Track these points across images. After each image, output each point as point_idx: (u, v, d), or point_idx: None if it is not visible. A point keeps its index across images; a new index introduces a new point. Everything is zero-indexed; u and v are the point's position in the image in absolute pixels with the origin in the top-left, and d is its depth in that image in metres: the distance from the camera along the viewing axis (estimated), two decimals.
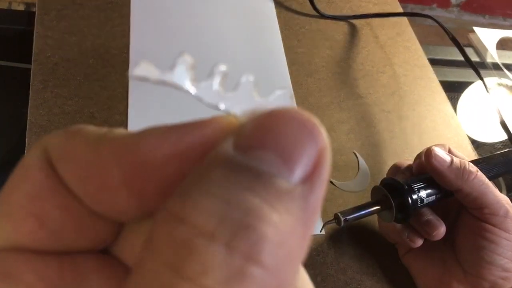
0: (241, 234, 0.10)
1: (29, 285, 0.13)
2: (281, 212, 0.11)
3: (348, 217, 0.40)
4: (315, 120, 0.13)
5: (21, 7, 0.55)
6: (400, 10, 0.74)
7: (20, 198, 0.13)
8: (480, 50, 0.81)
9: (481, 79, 0.58)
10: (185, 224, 0.10)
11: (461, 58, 0.61)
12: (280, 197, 0.11)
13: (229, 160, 0.11)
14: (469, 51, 0.80)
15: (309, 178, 0.12)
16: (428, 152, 0.41)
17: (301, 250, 0.12)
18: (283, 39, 0.62)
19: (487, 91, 0.58)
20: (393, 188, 0.41)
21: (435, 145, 0.43)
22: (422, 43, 0.70)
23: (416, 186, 0.41)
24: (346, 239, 0.48)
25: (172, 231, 0.10)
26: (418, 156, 0.44)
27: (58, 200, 0.13)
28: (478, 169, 0.41)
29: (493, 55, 0.79)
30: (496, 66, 0.77)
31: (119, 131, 0.14)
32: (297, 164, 0.12)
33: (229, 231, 0.10)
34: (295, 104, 0.56)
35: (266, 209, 0.11)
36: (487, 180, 0.40)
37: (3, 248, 0.13)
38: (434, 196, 0.41)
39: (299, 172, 0.12)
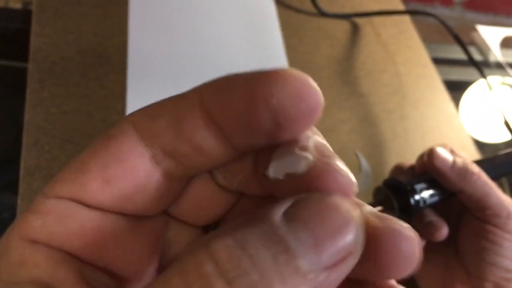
0: None
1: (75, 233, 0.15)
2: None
3: None
4: (360, 219, 0.13)
5: (18, 5, 0.54)
6: (402, 8, 0.73)
7: (96, 160, 0.15)
8: (483, 49, 0.80)
9: (484, 78, 0.57)
10: (211, 261, 0.12)
11: (464, 56, 0.60)
12: (294, 276, 0.12)
13: (272, 223, 0.12)
14: (472, 50, 0.79)
15: (330, 269, 0.12)
16: (431, 153, 0.41)
17: None
18: (283, 38, 0.61)
19: (490, 90, 0.57)
20: (396, 189, 0.41)
21: (438, 145, 0.42)
22: (424, 41, 0.70)
23: (418, 186, 0.40)
24: None
25: (201, 261, 0.12)
26: (421, 157, 0.44)
27: (129, 168, 0.15)
28: (481, 170, 0.41)
29: (497, 54, 0.78)
30: (499, 65, 0.76)
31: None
32: (325, 253, 0.12)
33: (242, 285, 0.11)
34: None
35: (277, 282, 0.11)
36: (490, 181, 0.40)
37: (64, 198, 0.15)
38: (436, 197, 0.41)
39: (323, 260, 0.12)
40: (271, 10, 0.64)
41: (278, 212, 0.13)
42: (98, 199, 0.15)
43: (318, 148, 0.15)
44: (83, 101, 0.48)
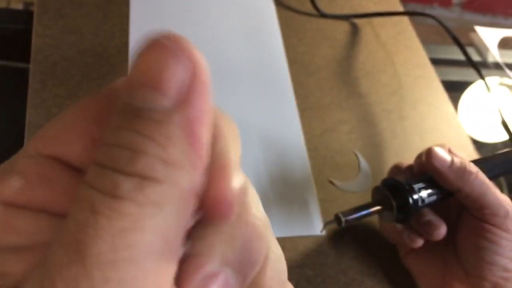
0: (129, 170, 0.12)
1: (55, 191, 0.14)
2: (162, 142, 0.12)
3: (348, 218, 0.40)
4: (185, 43, 0.13)
5: (20, 6, 0.54)
6: (401, 9, 0.73)
7: (80, 118, 0.15)
8: (481, 50, 0.81)
9: (483, 78, 0.58)
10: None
11: (462, 57, 0.60)
12: (159, 128, 0.12)
13: (122, 105, 0.13)
14: (471, 51, 0.79)
15: (186, 100, 0.12)
16: (429, 152, 0.41)
17: (191, 177, 0.13)
18: (283, 38, 0.61)
19: (489, 91, 0.57)
20: (394, 188, 0.41)
21: (436, 145, 0.43)
22: (423, 42, 0.70)
23: (417, 186, 0.41)
24: (346, 240, 0.47)
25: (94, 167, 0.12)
26: (419, 156, 0.44)
27: None
28: (479, 169, 0.41)
29: (495, 55, 0.78)
30: (497, 66, 0.76)
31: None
32: (165, 88, 0.12)
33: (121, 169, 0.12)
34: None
35: (147, 144, 0.12)
36: (487, 180, 0.40)
37: (45, 155, 0.14)
38: (435, 196, 0.41)
39: (170, 96, 0.12)
40: (271, 10, 0.64)
41: (124, 94, 0.13)
42: (80, 157, 0.15)
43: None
44: None
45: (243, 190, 0.15)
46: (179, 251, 0.13)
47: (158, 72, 0.12)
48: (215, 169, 0.14)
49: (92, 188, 0.12)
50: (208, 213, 0.14)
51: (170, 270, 0.13)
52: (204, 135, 0.13)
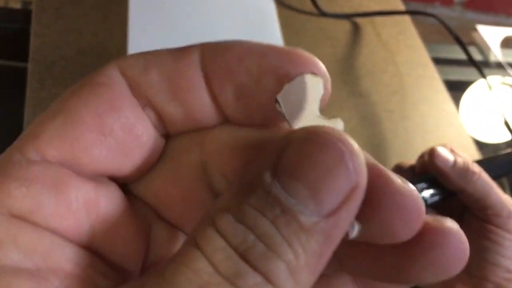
0: (257, 266, 0.11)
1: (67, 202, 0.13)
2: (297, 250, 0.11)
3: None
4: (355, 149, 0.12)
5: (18, 5, 0.54)
6: (403, 8, 0.73)
7: (87, 110, 0.13)
8: (483, 49, 0.80)
9: (484, 78, 0.57)
10: (221, 236, 0.11)
11: (464, 56, 0.60)
12: (299, 235, 0.11)
13: (263, 187, 0.12)
14: (472, 50, 0.79)
15: (335, 214, 0.12)
16: (432, 152, 0.41)
17: (311, 279, 0.12)
18: (283, 38, 0.61)
19: (491, 90, 0.57)
20: None
21: (438, 145, 0.42)
22: (424, 41, 0.69)
23: (419, 186, 0.40)
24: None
25: (212, 236, 0.11)
26: (421, 156, 0.44)
27: (125, 119, 0.14)
28: (482, 170, 0.40)
29: (497, 54, 0.78)
30: (499, 65, 0.76)
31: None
32: (324, 199, 0.11)
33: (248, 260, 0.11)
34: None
35: (284, 246, 0.11)
36: (490, 181, 0.40)
37: (54, 161, 0.13)
38: (437, 197, 0.41)
39: (325, 207, 0.11)
40: (271, 10, 0.64)
41: (266, 172, 0.12)
42: (95, 155, 0.13)
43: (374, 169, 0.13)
44: None
45: None
46: None
47: (322, 180, 0.11)
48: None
49: (209, 263, 0.11)
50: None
51: None
52: (332, 252, 0.12)
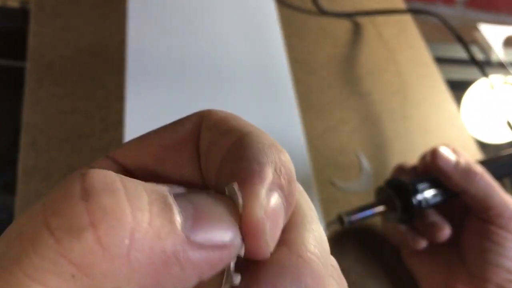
0: None
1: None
2: (153, 222, 0.12)
3: (352, 218, 0.39)
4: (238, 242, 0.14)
5: (16, 4, 0.54)
6: (404, 7, 0.73)
7: (161, 139, 0.17)
8: (485, 48, 0.80)
9: (486, 77, 0.57)
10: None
11: (466, 56, 0.60)
12: (164, 219, 0.12)
13: (163, 192, 0.13)
14: (474, 49, 0.79)
15: (201, 247, 0.13)
16: (434, 152, 0.41)
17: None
18: (284, 37, 0.61)
19: (493, 90, 0.56)
20: (398, 189, 0.40)
21: (440, 145, 0.42)
22: (426, 40, 0.69)
23: (421, 186, 0.40)
24: (349, 241, 0.47)
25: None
26: (423, 156, 0.44)
27: (181, 156, 0.17)
28: (484, 170, 0.40)
29: (499, 53, 0.77)
30: (501, 64, 0.75)
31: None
32: (201, 229, 0.13)
33: None
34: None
35: (145, 210, 0.12)
36: (493, 181, 0.40)
37: (117, 161, 0.17)
38: (439, 197, 0.41)
39: (197, 235, 0.13)
40: (271, 9, 0.64)
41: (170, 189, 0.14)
42: (140, 168, 0.17)
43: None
44: (81, 100, 0.47)
45: (298, 224, 0.15)
46: None
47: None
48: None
49: None
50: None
51: None
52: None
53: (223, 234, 0.13)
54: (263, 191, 0.14)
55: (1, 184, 0.46)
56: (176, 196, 0.13)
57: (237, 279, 0.14)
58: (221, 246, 0.13)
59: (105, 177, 0.12)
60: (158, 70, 0.51)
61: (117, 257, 0.11)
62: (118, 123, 0.46)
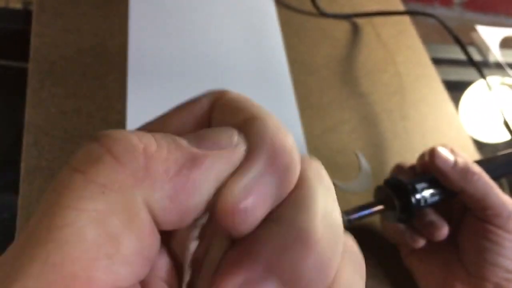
0: None
1: None
2: (160, 142, 0.15)
3: (351, 217, 0.39)
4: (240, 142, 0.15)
5: (18, 5, 0.54)
6: (402, 8, 0.73)
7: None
8: (482, 49, 0.80)
9: (484, 78, 0.57)
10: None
11: (463, 57, 0.60)
12: (171, 143, 0.15)
13: None
14: (472, 50, 0.79)
15: (206, 152, 0.15)
16: (432, 152, 0.41)
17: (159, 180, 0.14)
18: (283, 38, 0.61)
19: (490, 90, 0.57)
20: (397, 188, 0.41)
21: (439, 145, 0.42)
22: (424, 41, 0.69)
23: (419, 186, 0.40)
24: None
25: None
26: (422, 156, 0.44)
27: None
28: (482, 170, 0.40)
29: (496, 54, 0.78)
30: (499, 65, 0.76)
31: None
32: (205, 138, 0.15)
33: None
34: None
35: (151, 138, 0.15)
36: (491, 181, 0.40)
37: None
38: (437, 197, 0.41)
39: (202, 144, 0.15)
40: (271, 10, 0.64)
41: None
42: None
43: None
44: (83, 101, 0.47)
45: (298, 201, 0.15)
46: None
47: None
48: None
49: None
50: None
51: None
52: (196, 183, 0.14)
53: (225, 139, 0.15)
54: (247, 175, 0.14)
55: (4, 183, 0.46)
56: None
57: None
58: (225, 146, 0.15)
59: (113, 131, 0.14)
60: (159, 70, 0.52)
61: (136, 170, 0.13)
62: (119, 123, 0.47)
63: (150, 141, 0.14)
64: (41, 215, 0.13)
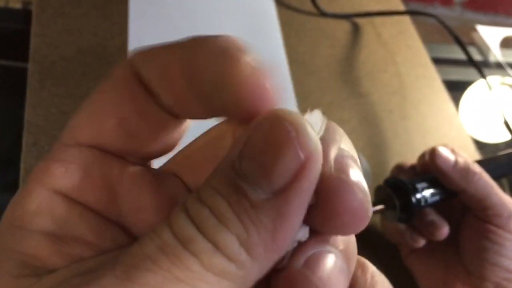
0: (208, 235, 0.12)
1: (96, 179, 0.16)
2: (247, 225, 0.12)
3: None
4: (302, 128, 0.13)
5: (18, 5, 0.54)
6: (402, 8, 0.73)
7: (105, 101, 0.16)
8: (483, 49, 0.80)
9: (484, 78, 0.57)
10: (186, 215, 0.13)
11: (463, 57, 0.60)
12: (249, 211, 0.12)
13: (228, 168, 0.13)
14: (472, 50, 0.79)
15: (285, 190, 0.12)
16: (433, 152, 0.41)
17: (269, 255, 0.13)
18: (283, 38, 0.61)
19: (490, 90, 0.57)
20: (397, 188, 0.41)
21: (439, 145, 0.42)
22: (424, 41, 0.69)
23: (420, 186, 0.40)
24: None
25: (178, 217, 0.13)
26: (422, 156, 0.44)
27: (137, 105, 0.15)
28: (483, 170, 0.40)
29: (496, 54, 0.78)
30: (499, 65, 0.76)
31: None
32: (274, 177, 0.12)
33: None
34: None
35: (233, 222, 0.12)
36: (491, 181, 0.40)
37: (85, 144, 0.16)
38: (438, 196, 0.41)
39: (274, 185, 0.12)
40: (271, 10, 0.64)
41: (234, 156, 0.13)
42: (115, 138, 0.16)
43: (338, 162, 0.14)
44: (83, 101, 0.47)
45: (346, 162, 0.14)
46: None
47: (271, 159, 0.12)
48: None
49: (170, 229, 0.12)
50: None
51: None
52: (291, 231, 0.13)
53: (292, 162, 0.13)
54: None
55: (4, 184, 0.46)
56: (241, 165, 0.13)
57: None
58: (300, 172, 0.13)
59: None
60: None
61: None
62: None
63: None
64: None
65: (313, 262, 0.13)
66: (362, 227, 0.13)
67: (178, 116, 0.16)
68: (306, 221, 0.13)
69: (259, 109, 0.13)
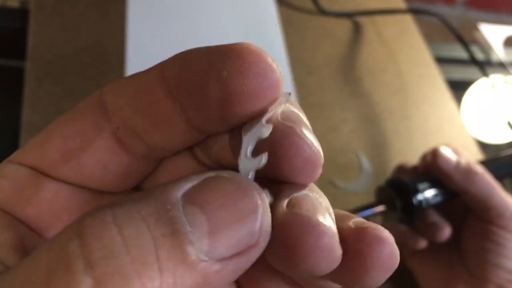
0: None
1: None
2: (167, 279, 0.10)
3: None
4: (266, 206, 0.12)
5: (16, 4, 0.54)
6: (404, 7, 0.73)
7: (58, 131, 0.15)
8: (485, 48, 0.80)
9: (487, 77, 0.57)
10: (78, 237, 0.11)
11: (466, 55, 0.60)
12: (178, 265, 0.10)
13: (167, 201, 0.11)
14: (475, 49, 0.79)
15: (223, 261, 0.11)
16: (435, 152, 0.41)
17: None
18: (284, 37, 0.61)
19: (493, 89, 0.56)
20: (399, 189, 0.40)
21: (441, 145, 0.42)
22: (426, 40, 0.69)
23: (421, 186, 0.40)
24: None
25: (68, 238, 0.11)
26: (424, 156, 0.43)
27: (101, 140, 0.15)
28: (485, 170, 0.40)
29: (499, 53, 0.77)
30: (501, 64, 0.75)
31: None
32: (220, 243, 0.11)
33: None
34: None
35: (152, 268, 0.10)
36: (494, 182, 0.40)
37: (31, 167, 0.15)
38: (439, 197, 0.41)
39: (217, 251, 0.11)
40: (272, 8, 0.63)
41: (179, 190, 0.11)
42: (58, 171, 0.15)
43: (285, 114, 0.14)
44: (81, 100, 0.47)
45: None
46: None
47: (225, 220, 0.11)
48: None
49: (64, 253, 0.11)
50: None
51: None
52: None
53: (247, 237, 0.11)
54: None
55: None
56: (184, 208, 0.11)
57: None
58: (249, 248, 0.12)
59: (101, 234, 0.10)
60: None
61: None
62: None
63: (153, 275, 0.10)
64: None
65: (295, 201, 0.13)
66: (316, 172, 0.13)
67: (131, 150, 0.15)
68: (266, 172, 0.13)
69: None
